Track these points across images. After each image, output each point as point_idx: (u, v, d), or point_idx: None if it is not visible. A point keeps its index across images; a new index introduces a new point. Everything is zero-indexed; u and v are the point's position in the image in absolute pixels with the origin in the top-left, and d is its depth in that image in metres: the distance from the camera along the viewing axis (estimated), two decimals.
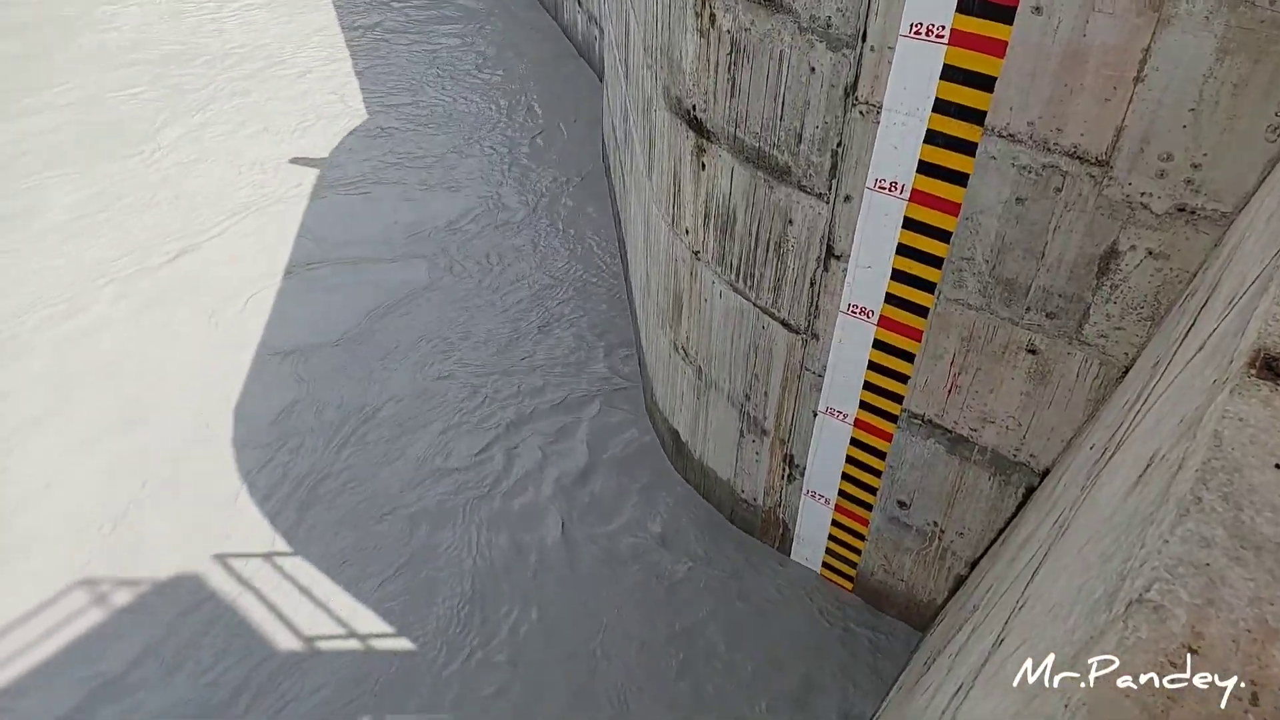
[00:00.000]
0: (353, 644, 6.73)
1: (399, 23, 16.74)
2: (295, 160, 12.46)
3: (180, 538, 7.36)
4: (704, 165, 6.11)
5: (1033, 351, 4.87)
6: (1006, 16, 4.11)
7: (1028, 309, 4.77)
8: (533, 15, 17.50)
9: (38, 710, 6.22)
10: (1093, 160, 4.17)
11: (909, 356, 5.42)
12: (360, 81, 14.62)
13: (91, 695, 6.31)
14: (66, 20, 16.62)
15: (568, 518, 7.64)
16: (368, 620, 6.88)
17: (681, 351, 7.30)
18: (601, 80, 13.67)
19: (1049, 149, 4.28)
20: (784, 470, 6.76)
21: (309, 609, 6.93)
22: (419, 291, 10.19)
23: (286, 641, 6.74)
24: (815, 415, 6.22)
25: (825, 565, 7.00)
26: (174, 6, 17.41)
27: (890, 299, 5.32)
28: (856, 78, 4.80)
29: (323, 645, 6.71)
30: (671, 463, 8.14)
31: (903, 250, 5.10)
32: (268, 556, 7.29)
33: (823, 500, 6.60)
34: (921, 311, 5.20)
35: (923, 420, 5.61)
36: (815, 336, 5.90)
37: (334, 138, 13.06)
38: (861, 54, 4.71)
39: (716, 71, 5.60)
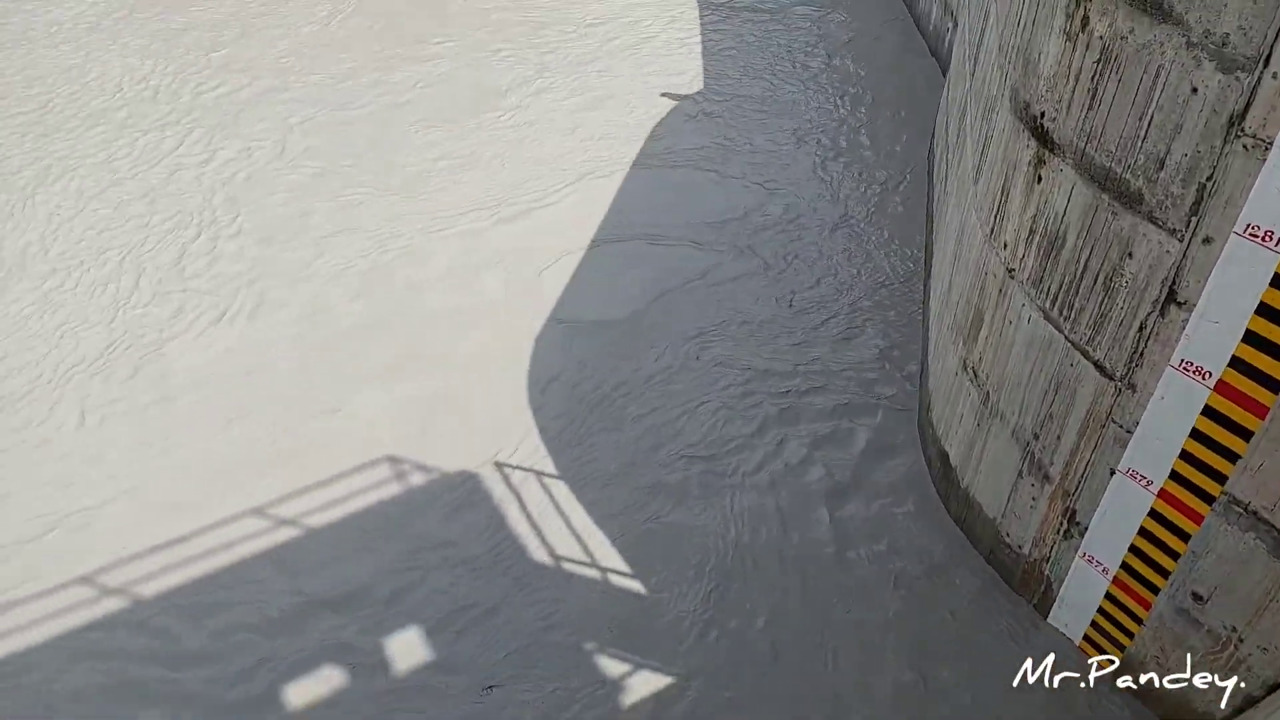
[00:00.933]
0: (595, 575, 7.17)
1: (754, 4, 16.88)
2: (626, 134, 13.00)
3: (465, 452, 8.21)
4: (1040, 178, 5.62)
5: None
6: None
7: None
8: (887, 4, 16.96)
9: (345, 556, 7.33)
10: None
11: (1246, 433, 4.66)
12: (705, 60, 14.98)
13: (389, 549, 7.33)
14: None
15: (816, 520, 7.52)
16: (614, 561, 7.27)
17: (970, 372, 6.84)
18: (945, 76, 12.98)
19: None
20: (1061, 524, 6.14)
21: (564, 532, 7.47)
22: (716, 278, 10.26)
23: (537, 552, 7.34)
24: (1113, 474, 5.56)
25: (1087, 638, 6.30)
26: None
27: (1236, 363, 4.59)
28: (1248, 105, 4.14)
29: (568, 568, 7.23)
30: (935, 486, 7.70)
31: (1264, 310, 4.37)
32: (538, 474, 7.97)
33: (1100, 568, 5.92)
34: (1273, 385, 4.44)
35: (1246, 510, 4.82)
36: (1132, 387, 5.25)
37: (668, 115, 13.47)
38: (1260, 79, 4.05)
39: (1077, 79, 5.09)
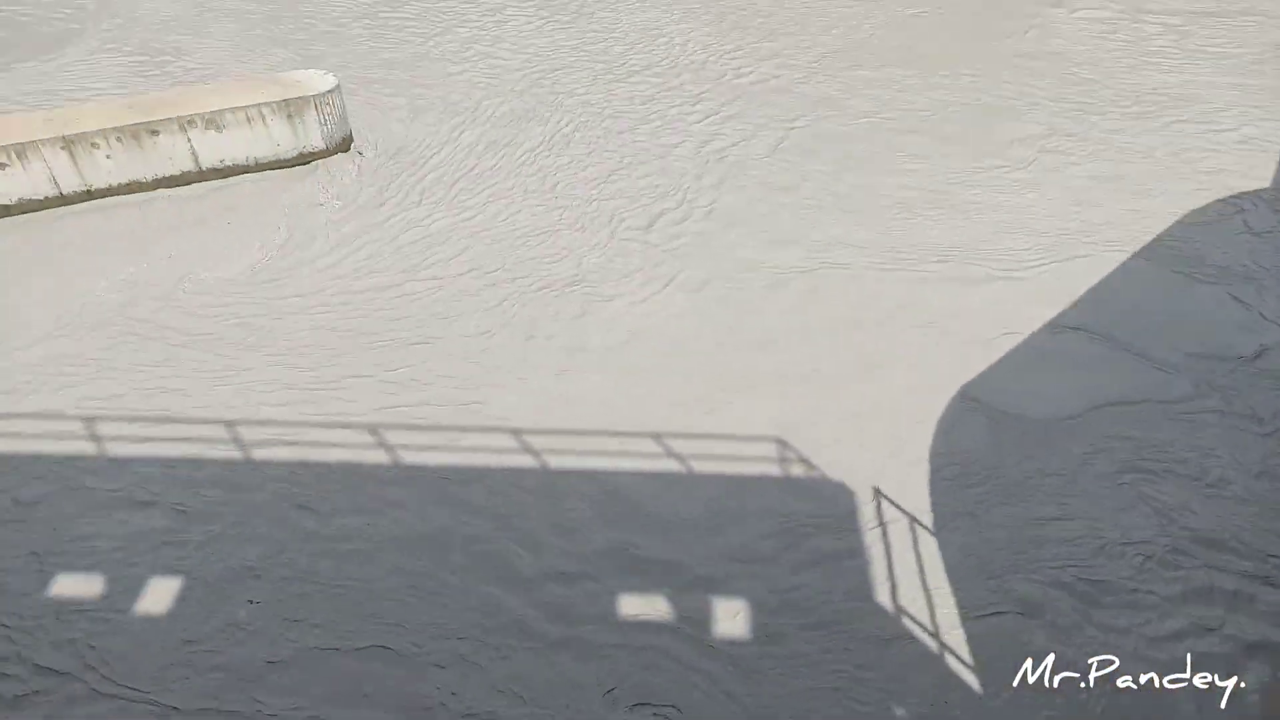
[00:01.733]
0: (931, 646, 6.86)
1: None
2: (1138, 221, 11.49)
3: (843, 477, 8.21)
4: None
5: None
6: None
7: None
8: None
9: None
10: None
11: None
12: None
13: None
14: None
15: None
16: (955, 641, 6.90)
17: None
18: None
19: None
20: None
21: (915, 587, 7.25)
22: (1178, 405, 8.90)
23: (880, 591, 7.23)
24: None
25: None
26: (1106, 30, 16.70)
27: None
28: None
29: (906, 623, 7.00)
30: None
31: None
32: (911, 519, 7.78)
33: None
34: None
35: None
36: None
37: (1208, 214, 11.59)
38: None
39: None
